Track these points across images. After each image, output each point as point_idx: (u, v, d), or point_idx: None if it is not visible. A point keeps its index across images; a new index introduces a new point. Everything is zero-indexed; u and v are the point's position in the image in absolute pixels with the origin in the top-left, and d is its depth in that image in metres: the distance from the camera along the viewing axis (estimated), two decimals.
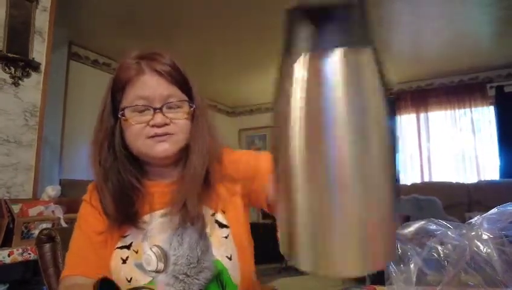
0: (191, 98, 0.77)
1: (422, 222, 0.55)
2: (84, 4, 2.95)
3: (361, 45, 0.26)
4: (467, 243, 0.47)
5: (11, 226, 1.64)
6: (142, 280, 0.72)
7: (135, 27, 3.36)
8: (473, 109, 4.66)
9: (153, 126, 0.72)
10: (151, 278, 0.72)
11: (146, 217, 0.76)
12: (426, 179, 4.81)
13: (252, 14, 3.17)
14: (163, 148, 0.72)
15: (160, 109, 0.72)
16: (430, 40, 3.73)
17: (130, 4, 2.98)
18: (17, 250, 1.59)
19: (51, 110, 2.48)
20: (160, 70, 0.73)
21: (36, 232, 1.67)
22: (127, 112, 0.72)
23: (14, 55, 1.96)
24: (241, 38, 3.66)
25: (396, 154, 0.28)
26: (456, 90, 4.76)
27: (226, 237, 0.76)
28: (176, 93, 0.75)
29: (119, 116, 0.73)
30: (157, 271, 0.72)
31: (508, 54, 4.08)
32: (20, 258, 1.59)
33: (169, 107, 0.73)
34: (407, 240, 0.54)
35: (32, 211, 1.75)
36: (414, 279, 0.51)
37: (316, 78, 0.25)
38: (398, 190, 0.28)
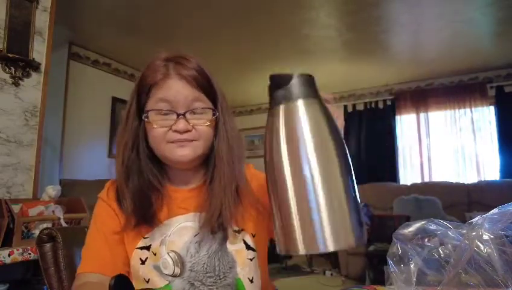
0: (215, 104, 0.77)
1: (422, 222, 0.55)
2: (84, 4, 2.95)
3: (311, 98, 0.46)
4: (467, 243, 0.47)
5: (11, 226, 1.64)
6: (159, 282, 0.73)
7: (135, 27, 3.37)
8: (473, 109, 4.66)
9: (175, 131, 0.72)
10: (168, 282, 0.73)
11: (165, 221, 0.76)
12: (426, 179, 4.81)
13: (251, 14, 3.17)
14: (183, 153, 0.73)
15: (184, 114, 0.72)
16: (430, 40, 3.73)
17: (130, 5, 2.98)
18: (17, 250, 1.59)
19: (51, 110, 2.47)
20: (186, 75, 0.73)
21: (36, 232, 1.67)
22: (151, 115, 0.73)
23: (14, 55, 1.96)
24: (240, 38, 3.66)
25: (350, 169, 0.45)
26: (456, 91, 4.76)
27: (251, 259, 0.77)
28: (201, 99, 0.74)
29: (143, 118, 0.74)
30: (173, 275, 0.73)
31: (508, 54, 4.08)
32: (20, 258, 1.59)
33: (193, 113, 0.73)
34: (407, 240, 0.54)
35: (32, 211, 1.75)
36: (414, 279, 0.51)
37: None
38: (355, 197, 0.44)
